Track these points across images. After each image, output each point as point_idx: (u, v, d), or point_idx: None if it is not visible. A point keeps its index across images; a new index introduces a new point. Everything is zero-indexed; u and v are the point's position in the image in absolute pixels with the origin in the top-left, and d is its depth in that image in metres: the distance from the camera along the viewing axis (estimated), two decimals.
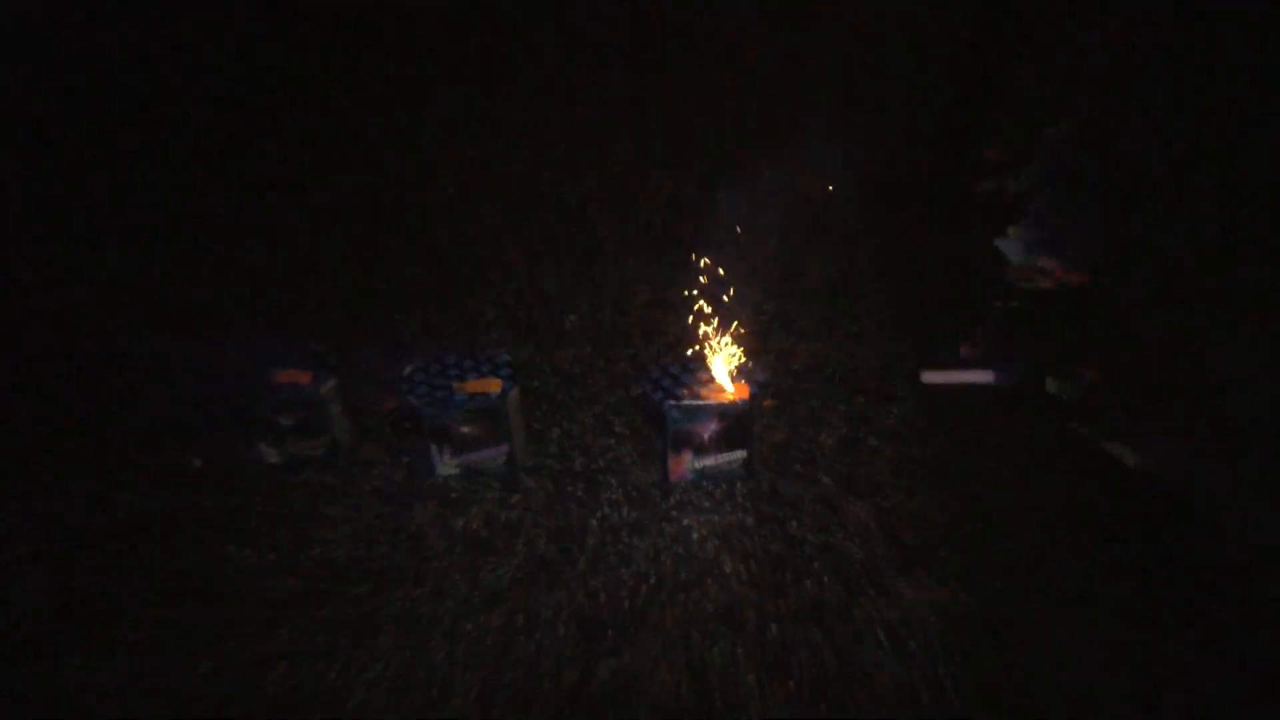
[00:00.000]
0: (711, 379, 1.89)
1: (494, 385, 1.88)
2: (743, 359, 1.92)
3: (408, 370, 1.92)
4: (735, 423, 1.86)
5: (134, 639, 1.64)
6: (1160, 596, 1.67)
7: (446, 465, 1.92)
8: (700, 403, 1.84)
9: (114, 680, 1.59)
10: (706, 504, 1.87)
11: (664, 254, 2.50)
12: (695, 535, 1.81)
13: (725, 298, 2.03)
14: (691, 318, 1.98)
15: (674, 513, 1.85)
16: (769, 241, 2.51)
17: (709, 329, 1.93)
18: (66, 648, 1.64)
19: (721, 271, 2.08)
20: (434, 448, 1.91)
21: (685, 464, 1.89)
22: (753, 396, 1.85)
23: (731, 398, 1.85)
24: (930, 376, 2.17)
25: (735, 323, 1.96)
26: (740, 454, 1.88)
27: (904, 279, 2.41)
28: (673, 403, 1.84)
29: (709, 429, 1.86)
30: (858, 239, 2.55)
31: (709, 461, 1.89)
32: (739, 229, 2.44)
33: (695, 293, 2.02)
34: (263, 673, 1.59)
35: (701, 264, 2.09)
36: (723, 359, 1.90)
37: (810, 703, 1.53)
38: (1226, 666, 1.56)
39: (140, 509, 1.87)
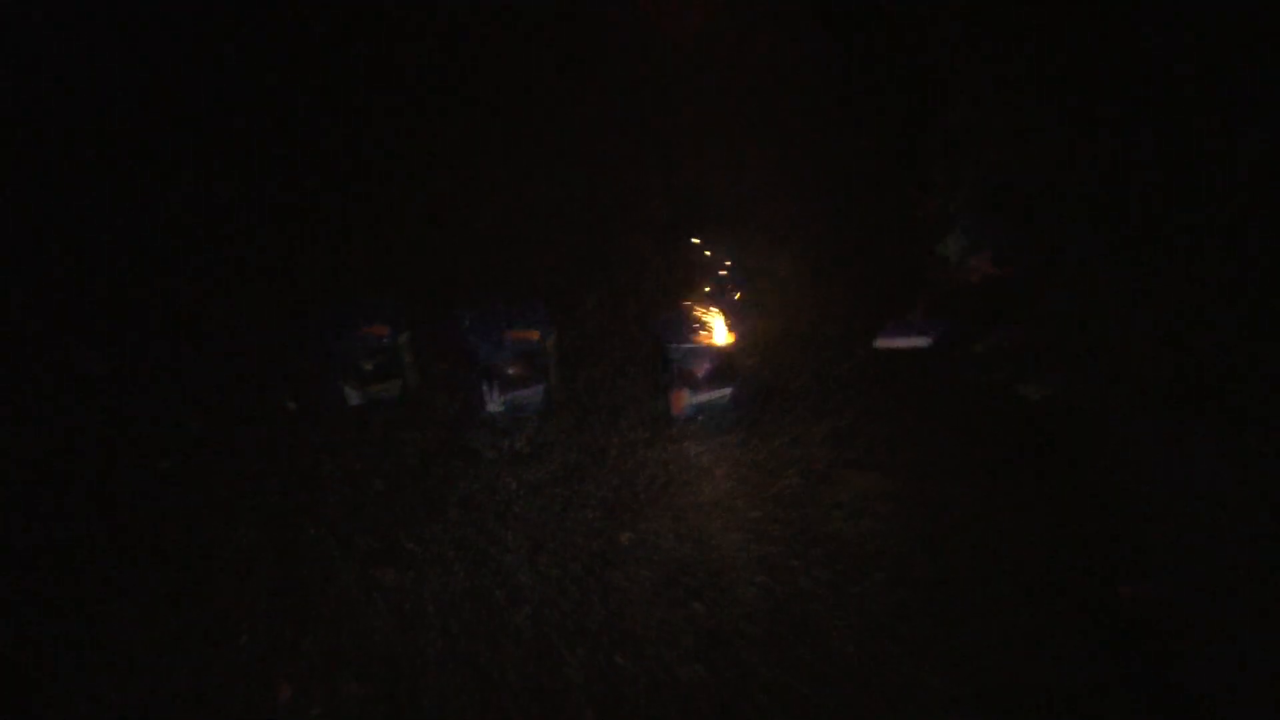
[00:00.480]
0: (706, 327, 2.40)
1: (534, 334, 2.39)
2: (731, 318, 2.44)
3: (465, 321, 2.43)
4: (724, 363, 2.37)
5: (262, 507, 2.13)
6: (1035, 483, 2.16)
7: (495, 402, 2.42)
8: (694, 345, 2.36)
9: (247, 544, 2.07)
10: (702, 427, 2.37)
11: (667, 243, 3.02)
12: (693, 450, 2.31)
13: (721, 272, 2.57)
14: (692, 292, 2.51)
15: (676, 433, 2.35)
16: (761, 238, 3.04)
17: (705, 294, 2.45)
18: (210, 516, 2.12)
19: (712, 254, 2.61)
20: (485, 386, 2.41)
21: (684, 400, 2.39)
22: (738, 342, 2.37)
23: (720, 344, 2.36)
24: (881, 342, 2.69)
25: (728, 291, 2.49)
26: (728, 390, 2.39)
27: (866, 271, 2.94)
28: (674, 344, 2.35)
29: (703, 368, 2.37)
30: (832, 242, 3.08)
31: (703, 397, 2.39)
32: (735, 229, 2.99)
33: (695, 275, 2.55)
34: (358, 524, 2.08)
35: (704, 253, 2.62)
36: (716, 315, 2.42)
37: (787, 553, 2.02)
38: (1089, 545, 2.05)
39: (252, 438, 2.36)
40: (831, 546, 2.03)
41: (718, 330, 2.40)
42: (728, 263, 2.65)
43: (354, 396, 2.46)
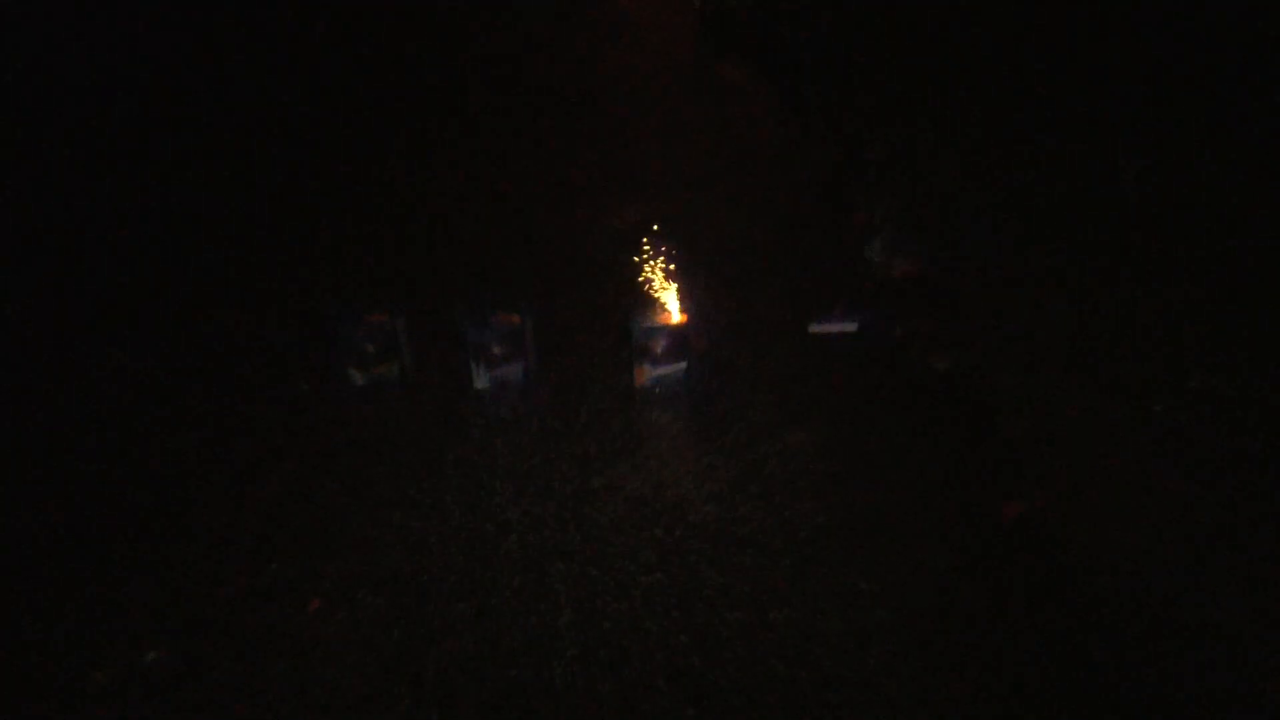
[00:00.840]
0: (664, 309, 2.81)
1: (515, 318, 2.78)
2: (687, 304, 2.85)
3: (455, 307, 2.82)
4: (679, 341, 2.77)
5: (283, 469, 2.49)
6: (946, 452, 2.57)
7: (482, 378, 2.80)
8: (654, 325, 2.76)
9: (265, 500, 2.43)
10: (660, 395, 2.77)
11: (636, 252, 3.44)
12: (652, 414, 2.70)
13: (670, 267, 2.98)
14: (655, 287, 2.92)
15: (638, 401, 2.75)
16: (716, 241, 3.47)
17: (665, 283, 2.86)
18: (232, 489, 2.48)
19: (673, 253, 3.03)
20: (473, 365, 2.79)
21: (645, 373, 2.79)
22: (691, 323, 2.78)
23: (675, 323, 2.77)
24: (815, 327, 3.10)
25: (686, 281, 2.90)
26: (683, 364, 2.79)
27: (804, 270, 3.37)
28: (636, 324, 2.76)
29: (661, 345, 2.77)
30: (778, 246, 3.51)
31: (661, 370, 2.79)
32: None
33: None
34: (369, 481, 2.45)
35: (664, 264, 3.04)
36: (673, 300, 2.83)
37: (731, 490, 2.41)
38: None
39: (273, 415, 2.73)
40: (768, 484, 2.43)
41: (674, 312, 2.81)
42: (686, 260, 3.07)
43: (358, 378, 2.83)
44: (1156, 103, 3.56)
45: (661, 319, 2.80)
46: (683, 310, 2.84)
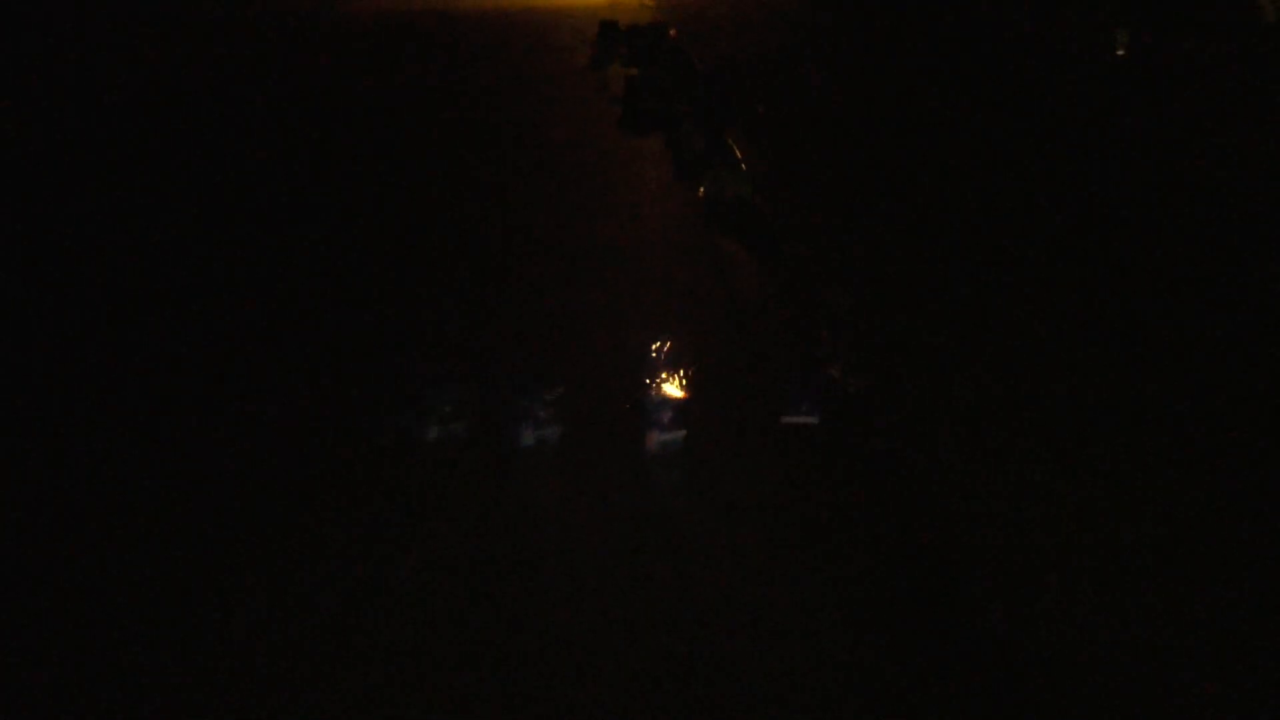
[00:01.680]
0: (669, 392, 3.70)
1: (559, 389, 3.67)
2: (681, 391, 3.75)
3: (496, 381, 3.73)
4: (680, 412, 3.65)
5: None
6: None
7: (529, 437, 3.66)
8: (661, 399, 3.65)
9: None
10: (665, 455, 3.62)
11: None
12: (660, 466, 3.54)
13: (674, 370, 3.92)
14: None
15: (651, 456, 3.59)
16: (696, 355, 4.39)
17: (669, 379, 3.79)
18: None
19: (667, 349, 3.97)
20: (521, 426, 3.66)
21: (654, 438, 3.65)
22: (690, 399, 3.67)
23: (678, 398, 3.65)
24: (786, 419, 3.97)
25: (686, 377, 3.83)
26: (682, 432, 3.66)
27: (778, 383, 4.27)
28: (645, 400, 3.65)
29: (666, 415, 3.64)
30: (758, 368, 4.43)
31: (666, 436, 3.65)
32: None
33: None
34: None
35: None
36: (676, 388, 3.74)
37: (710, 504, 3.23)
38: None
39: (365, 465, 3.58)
40: (733, 494, 3.25)
41: (677, 393, 3.70)
42: (686, 364, 4.00)
43: (433, 432, 3.68)
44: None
45: (667, 396, 3.69)
46: (684, 391, 3.74)
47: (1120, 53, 12.41)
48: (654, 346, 4.10)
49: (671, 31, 12.22)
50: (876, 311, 4.82)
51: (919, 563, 3.00)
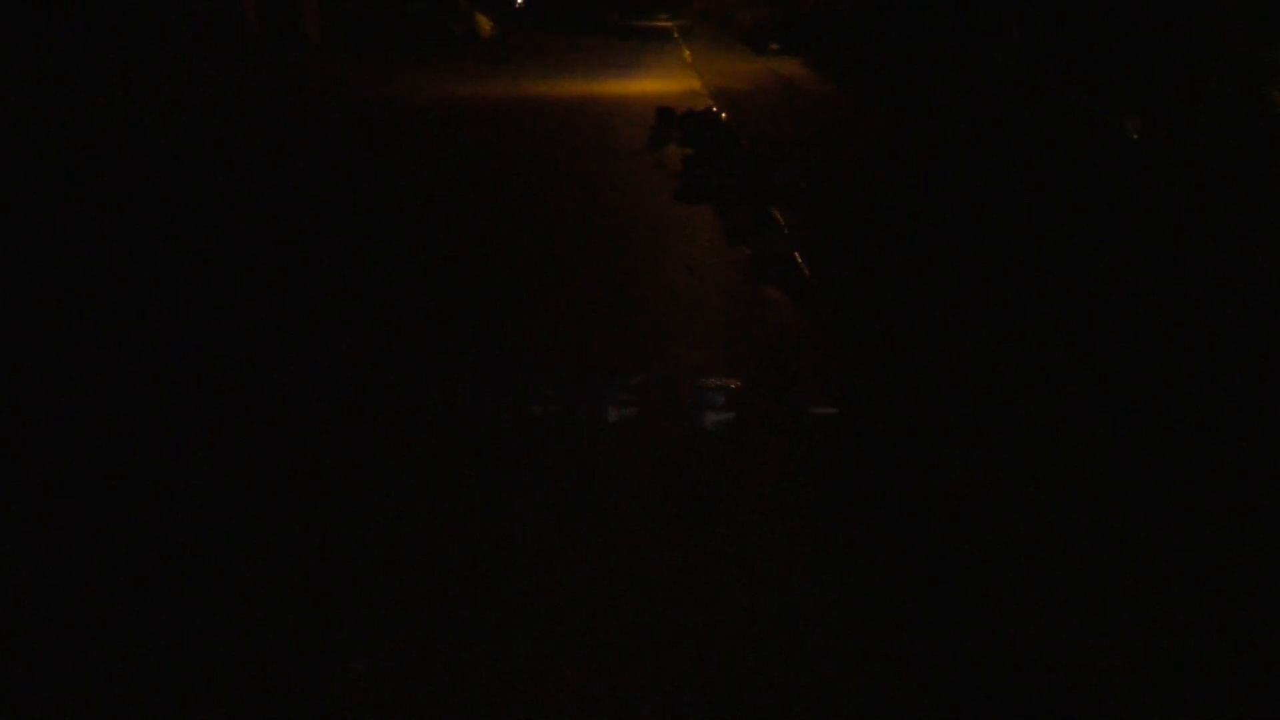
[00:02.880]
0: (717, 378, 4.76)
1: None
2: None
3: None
4: (729, 394, 4.70)
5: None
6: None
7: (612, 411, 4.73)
8: (714, 383, 4.70)
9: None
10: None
11: None
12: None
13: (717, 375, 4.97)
14: None
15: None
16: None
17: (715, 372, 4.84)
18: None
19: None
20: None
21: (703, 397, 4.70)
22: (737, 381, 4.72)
23: (730, 383, 4.70)
24: (813, 410, 5.01)
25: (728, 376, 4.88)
26: (731, 414, 4.70)
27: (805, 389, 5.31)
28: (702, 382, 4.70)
29: (718, 396, 4.69)
30: (789, 380, 5.48)
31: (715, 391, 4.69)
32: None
33: None
34: None
35: None
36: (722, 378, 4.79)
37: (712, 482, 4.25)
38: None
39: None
40: (733, 474, 4.28)
41: (727, 388, 4.77)
42: (728, 367, 5.07)
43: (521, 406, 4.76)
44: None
45: (720, 389, 4.76)
46: (734, 386, 4.81)
47: (1134, 136, 13.52)
48: (709, 363, 5.17)
49: (722, 115, 13.58)
50: (889, 338, 5.88)
51: (923, 558, 3.91)
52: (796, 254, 7.56)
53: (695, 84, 19.38)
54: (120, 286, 6.84)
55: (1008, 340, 5.85)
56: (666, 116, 13.22)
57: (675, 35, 35.66)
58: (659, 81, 20.13)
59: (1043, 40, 19.27)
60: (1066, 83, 17.93)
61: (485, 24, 36.33)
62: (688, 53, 27.73)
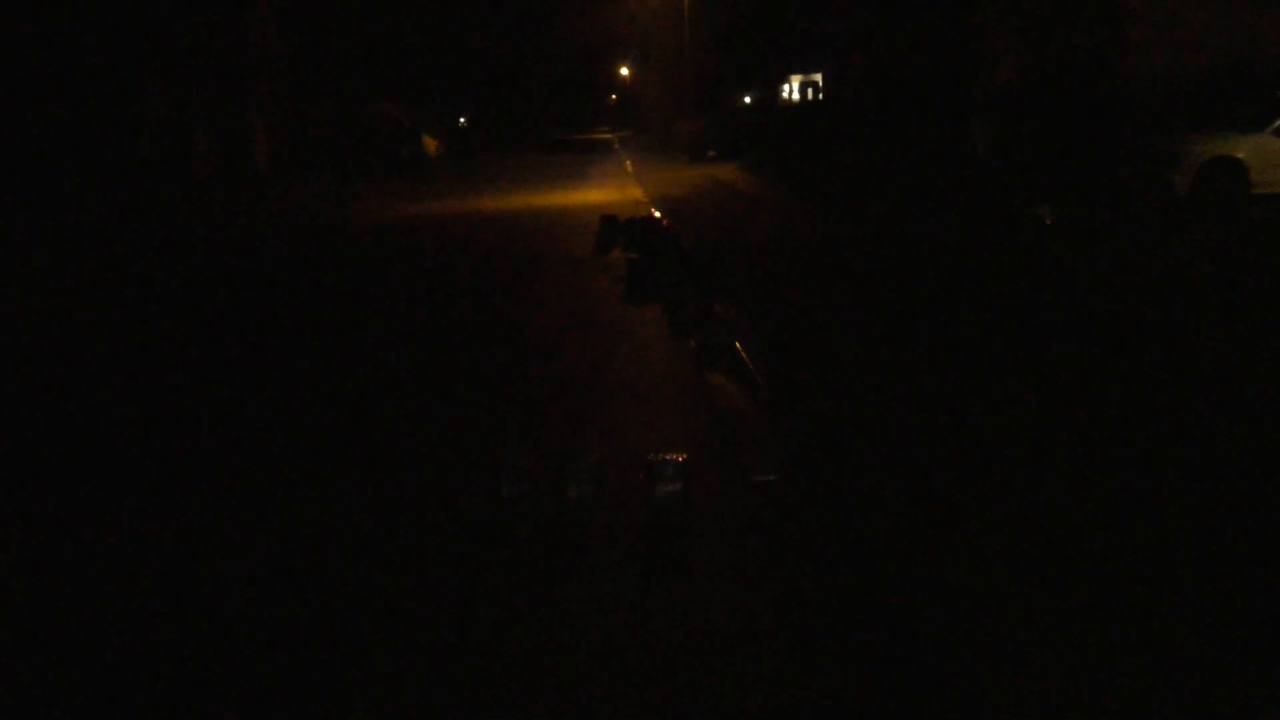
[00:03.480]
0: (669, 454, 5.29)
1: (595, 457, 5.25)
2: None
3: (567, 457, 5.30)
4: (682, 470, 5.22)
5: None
6: None
7: (574, 491, 5.21)
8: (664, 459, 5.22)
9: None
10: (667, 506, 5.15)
11: None
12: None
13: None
14: None
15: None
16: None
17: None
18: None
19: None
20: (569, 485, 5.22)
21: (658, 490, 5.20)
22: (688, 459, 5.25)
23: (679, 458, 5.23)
24: (756, 478, 5.54)
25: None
26: (679, 486, 5.22)
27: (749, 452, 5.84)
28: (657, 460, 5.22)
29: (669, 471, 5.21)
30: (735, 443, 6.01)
31: (666, 490, 5.20)
32: None
33: None
34: None
35: None
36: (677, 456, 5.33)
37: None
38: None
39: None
40: (685, 533, 4.78)
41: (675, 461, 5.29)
42: (677, 444, 5.60)
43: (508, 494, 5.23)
44: None
45: (670, 463, 5.28)
46: (680, 458, 5.33)
47: (1048, 222, 14.55)
48: (661, 441, 5.70)
49: (663, 220, 14.41)
50: (824, 413, 6.46)
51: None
52: (737, 343, 8.18)
53: (637, 192, 20.40)
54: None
55: (934, 406, 6.46)
56: (611, 224, 14.00)
57: (616, 146, 37.12)
58: (602, 191, 21.15)
59: (958, 142, 20.64)
60: (987, 175, 19.18)
61: (431, 144, 37.52)
62: (629, 162, 29.01)
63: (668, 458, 5.25)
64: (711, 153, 31.06)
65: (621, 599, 4.09)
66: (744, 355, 7.90)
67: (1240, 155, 15.35)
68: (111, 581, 4.40)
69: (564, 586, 4.23)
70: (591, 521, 4.91)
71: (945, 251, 12.52)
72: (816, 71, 32.65)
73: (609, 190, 21.20)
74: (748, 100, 38.66)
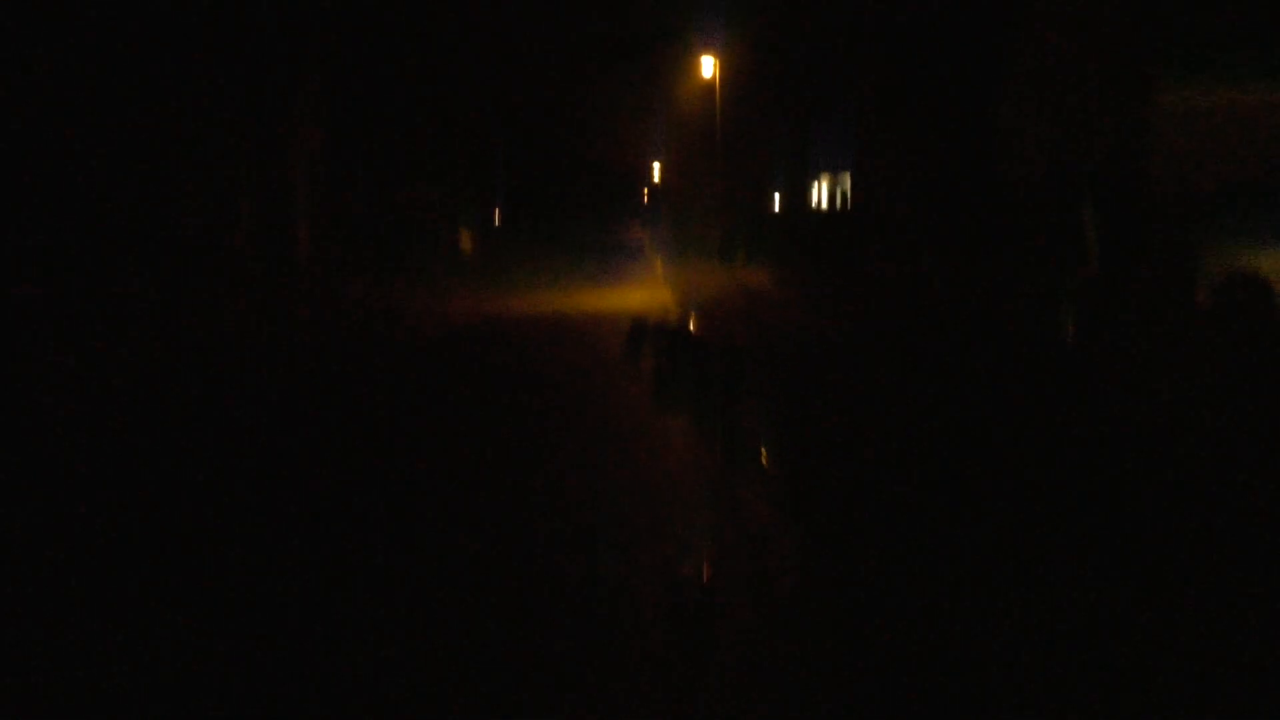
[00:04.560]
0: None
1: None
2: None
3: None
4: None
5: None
6: None
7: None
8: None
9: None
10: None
11: None
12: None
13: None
14: None
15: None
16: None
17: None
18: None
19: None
20: None
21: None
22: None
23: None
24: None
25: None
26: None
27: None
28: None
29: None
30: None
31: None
32: None
33: None
34: None
35: None
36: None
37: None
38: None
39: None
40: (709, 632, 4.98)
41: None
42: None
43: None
44: None
45: (692, 566, 5.50)
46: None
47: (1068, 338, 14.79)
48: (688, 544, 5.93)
49: (690, 326, 14.84)
50: (847, 519, 6.68)
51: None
52: (763, 450, 8.45)
53: (666, 296, 20.89)
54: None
55: (966, 514, 6.66)
56: (640, 328, 14.41)
57: (645, 247, 37.94)
58: (632, 293, 21.66)
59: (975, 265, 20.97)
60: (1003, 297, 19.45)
61: (467, 240, 38.56)
62: (659, 264, 29.67)
63: (694, 566, 5.48)
64: (741, 255, 31.75)
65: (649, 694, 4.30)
66: (768, 463, 8.15)
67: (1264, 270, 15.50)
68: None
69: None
70: (617, 617, 5.12)
71: (967, 357, 12.73)
72: (845, 170, 32.68)
73: (638, 292, 21.74)
74: (776, 200, 39.38)
